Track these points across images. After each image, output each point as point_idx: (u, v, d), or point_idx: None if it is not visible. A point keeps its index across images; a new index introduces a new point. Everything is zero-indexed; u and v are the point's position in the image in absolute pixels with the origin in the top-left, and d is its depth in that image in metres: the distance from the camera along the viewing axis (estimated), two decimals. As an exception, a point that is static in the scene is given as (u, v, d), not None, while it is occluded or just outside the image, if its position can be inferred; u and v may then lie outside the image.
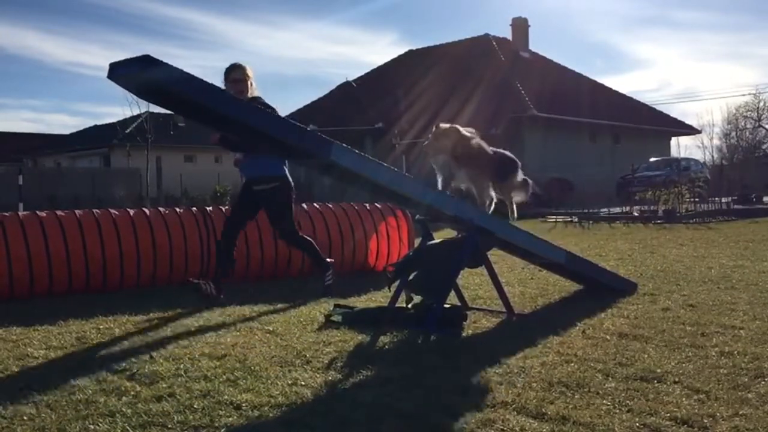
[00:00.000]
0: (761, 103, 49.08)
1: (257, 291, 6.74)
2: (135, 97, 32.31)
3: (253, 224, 7.62)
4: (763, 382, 3.61)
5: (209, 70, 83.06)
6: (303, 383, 3.72)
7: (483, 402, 3.35)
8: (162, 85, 4.54)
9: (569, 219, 18.28)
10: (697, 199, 19.48)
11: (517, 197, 5.96)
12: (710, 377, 3.71)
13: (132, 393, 3.58)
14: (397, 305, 5.53)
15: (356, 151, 5.13)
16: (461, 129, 5.59)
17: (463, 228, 5.60)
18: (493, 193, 5.73)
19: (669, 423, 3.08)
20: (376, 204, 8.57)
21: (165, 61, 4.41)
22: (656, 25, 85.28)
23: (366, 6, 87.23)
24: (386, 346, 4.61)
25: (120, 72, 4.51)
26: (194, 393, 3.55)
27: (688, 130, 39.58)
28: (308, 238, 6.68)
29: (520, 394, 3.46)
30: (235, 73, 6.26)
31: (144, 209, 7.60)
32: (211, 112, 4.75)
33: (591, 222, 17.18)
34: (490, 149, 5.73)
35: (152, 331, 5.05)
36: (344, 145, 5.04)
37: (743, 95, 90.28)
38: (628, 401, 3.35)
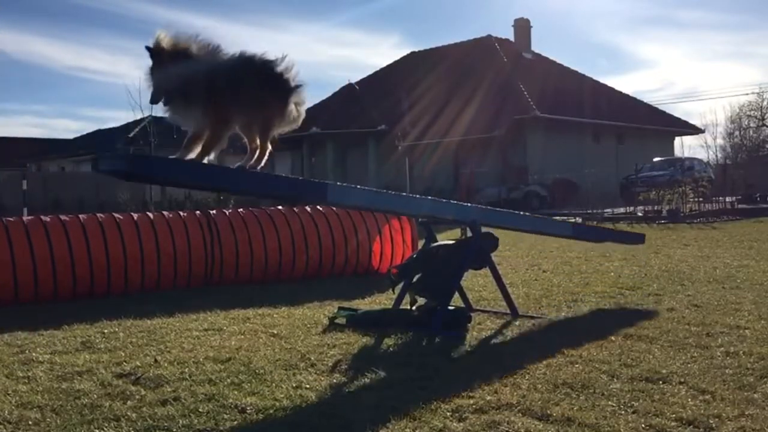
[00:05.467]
0: (765, 102, 48.94)
1: (261, 293, 6.74)
2: (139, 101, 32.42)
3: (257, 226, 7.64)
4: (768, 382, 3.60)
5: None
6: (308, 386, 3.72)
7: (488, 403, 3.35)
8: (147, 177, 4.61)
9: (573, 220, 18.25)
10: (701, 199, 19.43)
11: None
12: (716, 377, 3.70)
13: (137, 397, 3.58)
14: (401, 307, 5.54)
15: (353, 186, 5.14)
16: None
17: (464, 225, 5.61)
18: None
19: (674, 424, 3.07)
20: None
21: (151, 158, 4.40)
22: (659, 25, 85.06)
23: (368, 7, 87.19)
24: (390, 348, 4.61)
25: (105, 168, 4.57)
26: (199, 397, 3.55)
27: (692, 129, 39.51)
28: None
29: (524, 396, 3.45)
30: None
31: (148, 213, 7.61)
32: None
33: (595, 223, 17.15)
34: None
35: (157, 334, 5.06)
36: (338, 183, 5.00)
37: (746, 94, 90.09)
38: (633, 402, 3.34)
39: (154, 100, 4.24)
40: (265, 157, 4.58)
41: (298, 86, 4.51)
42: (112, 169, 4.51)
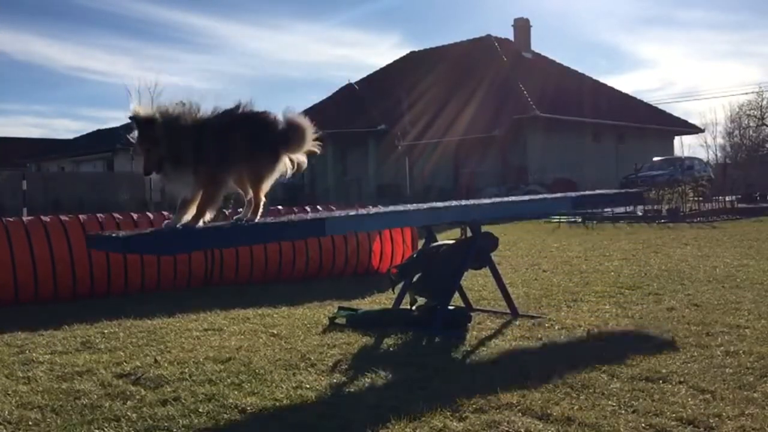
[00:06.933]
0: (764, 102, 48.89)
1: (261, 293, 6.74)
2: (139, 101, 32.31)
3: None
4: (768, 382, 3.60)
5: (212, 73, 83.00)
6: (308, 386, 3.73)
7: (488, 403, 3.35)
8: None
9: (573, 219, 18.25)
10: (700, 199, 19.43)
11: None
12: (716, 377, 3.71)
13: (137, 397, 3.58)
14: (401, 307, 5.54)
15: (350, 214, 5.02)
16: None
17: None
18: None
19: (675, 423, 3.07)
20: (379, 206, 8.56)
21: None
22: (659, 24, 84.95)
23: (368, 7, 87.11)
24: (390, 348, 4.61)
25: (100, 246, 4.55)
26: (199, 397, 3.56)
27: (692, 129, 39.52)
28: None
29: (525, 395, 3.45)
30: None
31: (148, 213, 7.61)
32: None
33: (595, 222, 17.15)
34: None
35: (157, 335, 5.06)
36: (335, 216, 4.89)
37: (746, 93, 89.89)
38: (633, 402, 3.35)
39: (147, 172, 4.19)
40: (261, 209, 4.58)
41: (290, 132, 4.49)
42: (107, 249, 4.51)
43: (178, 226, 4.29)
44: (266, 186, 4.56)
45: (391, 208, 5.69)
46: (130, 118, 4.11)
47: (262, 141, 4.43)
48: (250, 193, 4.57)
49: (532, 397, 3.42)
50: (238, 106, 4.45)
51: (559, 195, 6.06)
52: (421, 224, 5.51)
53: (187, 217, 4.31)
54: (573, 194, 6.02)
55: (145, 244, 4.34)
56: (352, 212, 4.99)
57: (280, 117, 4.54)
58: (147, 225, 7.14)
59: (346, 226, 4.99)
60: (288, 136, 4.51)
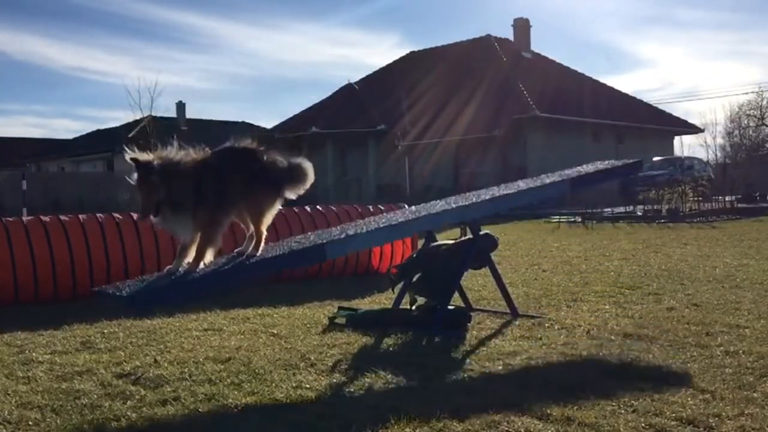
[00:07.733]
0: (764, 102, 48.85)
1: (261, 293, 6.74)
2: (138, 101, 32.40)
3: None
4: (768, 382, 3.60)
5: (212, 73, 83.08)
6: (307, 386, 3.73)
7: (488, 403, 3.35)
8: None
9: (573, 219, 18.26)
10: (700, 198, 19.44)
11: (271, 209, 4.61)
12: (715, 377, 3.71)
13: (137, 397, 3.58)
14: (401, 307, 5.54)
15: (349, 235, 4.87)
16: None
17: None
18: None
19: (674, 423, 3.07)
20: (379, 206, 8.57)
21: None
22: (659, 24, 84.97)
23: (368, 7, 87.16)
24: (390, 348, 4.61)
25: (105, 302, 4.54)
26: (199, 397, 3.56)
27: (691, 129, 39.50)
28: None
29: (524, 395, 3.45)
30: None
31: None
32: None
33: (594, 222, 17.16)
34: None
35: (157, 335, 5.06)
36: (335, 239, 4.75)
37: (746, 93, 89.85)
38: (633, 401, 3.35)
39: (145, 215, 4.23)
40: (262, 243, 4.61)
41: (293, 172, 4.56)
42: (113, 305, 4.51)
43: (179, 270, 4.30)
44: (268, 220, 4.61)
45: (391, 215, 5.66)
46: (132, 159, 4.13)
47: (263, 178, 4.47)
48: (252, 227, 4.60)
49: (532, 397, 3.42)
50: (236, 143, 4.50)
51: (556, 176, 5.92)
52: (421, 230, 5.52)
53: (188, 260, 4.33)
54: (571, 172, 5.92)
55: (151, 297, 4.30)
56: (351, 231, 4.94)
57: (280, 156, 4.59)
58: (147, 225, 7.13)
59: (346, 247, 4.97)
60: (292, 175, 4.58)
